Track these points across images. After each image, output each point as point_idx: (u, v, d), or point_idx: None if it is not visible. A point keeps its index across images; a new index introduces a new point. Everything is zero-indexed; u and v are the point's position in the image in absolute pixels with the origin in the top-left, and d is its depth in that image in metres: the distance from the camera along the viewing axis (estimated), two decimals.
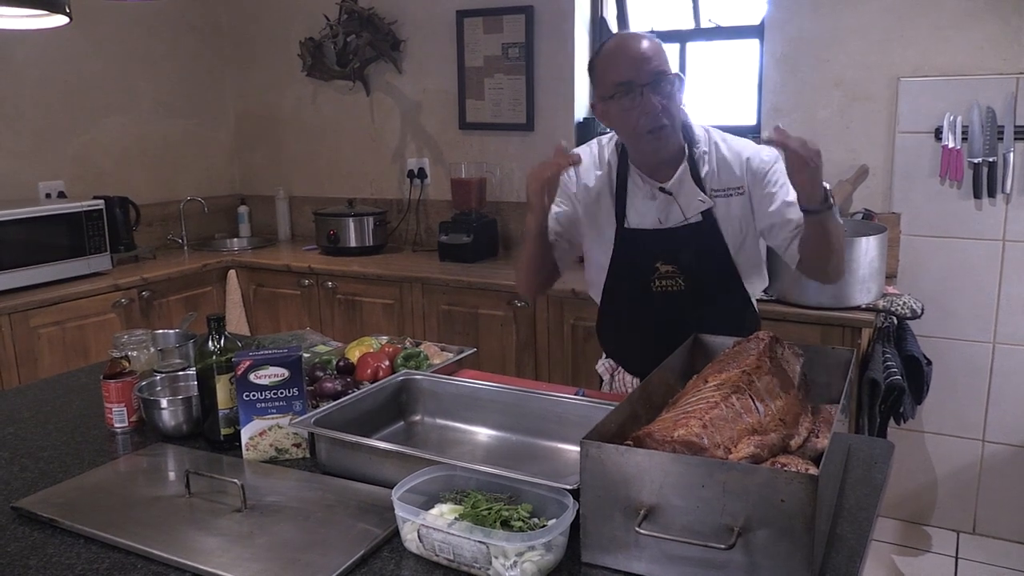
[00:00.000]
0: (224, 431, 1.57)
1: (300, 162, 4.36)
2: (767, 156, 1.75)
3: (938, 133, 2.87)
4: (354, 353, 1.91)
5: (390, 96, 4.02)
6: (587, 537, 1.14)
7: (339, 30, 3.90)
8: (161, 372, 1.78)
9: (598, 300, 1.95)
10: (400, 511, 1.16)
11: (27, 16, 1.66)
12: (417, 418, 1.69)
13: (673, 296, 1.80)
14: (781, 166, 1.73)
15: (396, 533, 1.21)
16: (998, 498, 3.00)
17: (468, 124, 3.81)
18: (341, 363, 1.86)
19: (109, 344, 1.86)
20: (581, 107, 3.60)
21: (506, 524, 1.13)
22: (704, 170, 1.77)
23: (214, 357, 1.55)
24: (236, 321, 3.75)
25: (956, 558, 2.93)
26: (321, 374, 1.79)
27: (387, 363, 1.83)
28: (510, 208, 3.76)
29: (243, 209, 4.45)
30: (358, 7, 3.85)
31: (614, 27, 3.63)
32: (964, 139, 2.83)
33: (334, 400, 1.61)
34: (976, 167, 2.82)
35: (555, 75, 3.58)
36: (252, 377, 1.49)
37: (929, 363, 2.75)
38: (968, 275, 2.91)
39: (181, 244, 4.11)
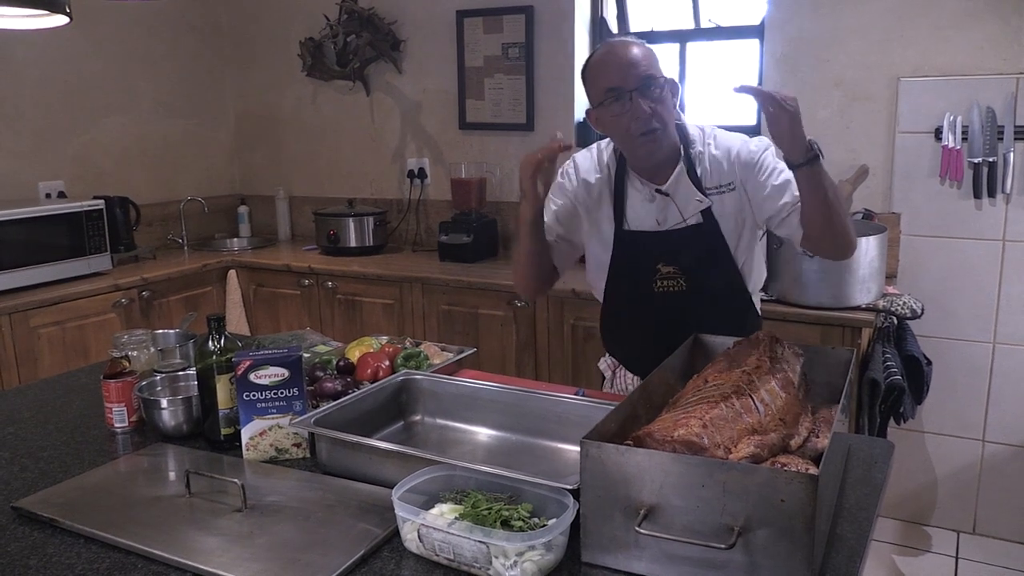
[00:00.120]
0: (224, 431, 1.57)
1: (300, 162, 4.36)
2: (755, 146, 1.75)
3: (938, 133, 2.87)
4: (354, 353, 1.91)
5: (390, 96, 4.02)
6: (587, 537, 1.14)
7: (339, 30, 3.90)
8: (161, 372, 1.78)
9: (601, 299, 1.96)
10: (400, 511, 1.16)
11: (27, 16, 1.66)
12: (417, 418, 1.69)
13: (674, 296, 1.80)
14: (770, 153, 1.73)
15: (396, 533, 1.21)
16: (998, 498, 3.00)
17: (468, 124, 3.81)
18: (341, 363, 1.86)
19: (109, 344, 1.87)
20: (581, 107, 3.60)
21: (506, 524, 1.13)
22: (700, 170, 1.77)
23: (214, 357, 1.55)
24: (236, 321, 3.75)
25: (956, 558, 2.93)
26: (321, 374, 1.79)
27: (387, 363, 1.83)
28: (510, 208, 3.76)
29: (243, 209, 4.45)
30: (358, 7, 3.85)
31: (614, 27, 3.63)
32: (964, 139, 2.83)
33: (334, 400, 1.61)
34: (976, 167, 2.82)
35: (555, 75, 3.58)
36: (252, 377, 1.49)
37: (929, 363, 2.75)
38: (968, 275, 2.91)
39: (181, 244, 4.11)
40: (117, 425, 1.68)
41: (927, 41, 2.88)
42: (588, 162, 1.88)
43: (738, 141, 1.78)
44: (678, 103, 1.75)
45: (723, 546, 1.03)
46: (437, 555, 1.15)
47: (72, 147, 3.74)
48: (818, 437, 1.27)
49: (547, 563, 1.11)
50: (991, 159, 2.79)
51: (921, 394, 2.74)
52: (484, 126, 3.77)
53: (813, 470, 1.12)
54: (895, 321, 2.71)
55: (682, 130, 1.79)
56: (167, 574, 1.15)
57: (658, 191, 1.77)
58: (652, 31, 3.56)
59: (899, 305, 2.68)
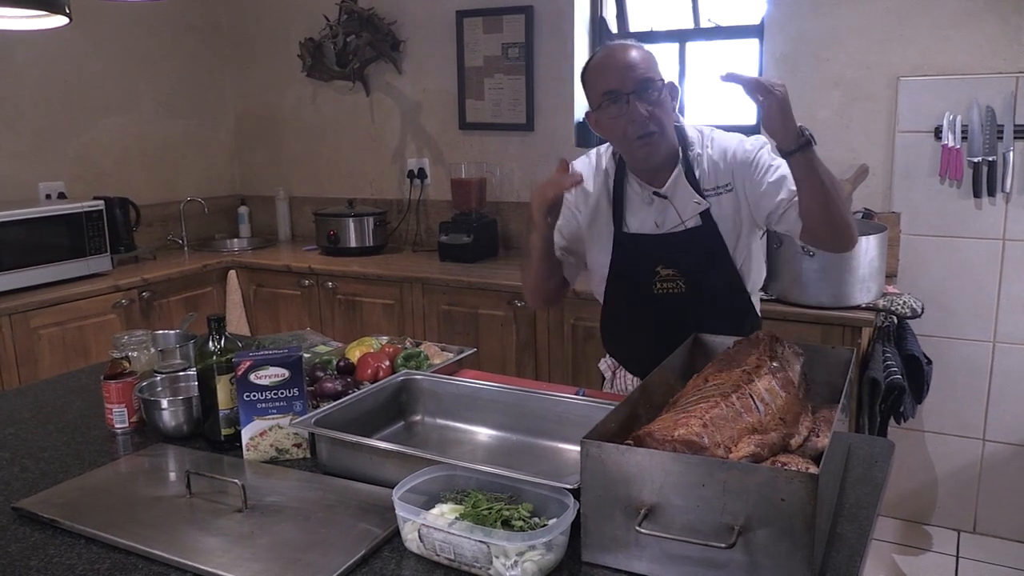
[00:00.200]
0: (225, 431, 1.57)
1: (300, 162, 4.36)
2: (750, 145, 1.75)
3: (938, 132, 2.87)
4: (354, 353, 1.91)
5: (390, 96, 4.02)
6: (588, 536, 1.14)
7: (339, 30, 3.90)
8: (161, 373, 1.78)
9: (601, 301, 1.96)
10: (401, 511, 1.16)
11: (27, 17, 1.66)
12: (417, 418, 1.69)
13: (674, 298, 1.81)
14: (766, 150, 1.74)
15: (397, 533, 1.21)
16: (998, 497, 3.00)
17: (468, 124, 3.81)
18: (341, 363, 1.86)
19: (109, 345, 1.86)
20: (581, 107, 3.60)
21: (507, 524, 1.13)
22: (698, 172, 1.77)
23: (214, 357, 1.55)
24: (236, 321, 3.75)
25: (957, 557, 2.93)
26: (321, 374, 1.79)
27: (387, 363, 1.83)
28: (510, 208, 3.76)
29: (243, 209, 4.45)
30: (358, 7, 3.85)
31: (614, 27, 3.63)
32: (964, 138, 2.83)
33: (334, 400, 1.61)
34: (976, 166, 2.82)
35: (555, 75, 3.58)
36: (252, 377, 1.49)
37: (929, 362, 2.75)
38: (968, 274, 2.91)
39: (181, 244, 4.11)
40: (117, 426, 1.68)
41: (927, 41, 2.88)
42: (586, 169, 1.89)
43: (734, 141, 1.78)
44: (677, 106, 1.75)
45: (723, 545, 1.03)
46: (438, 555, 1.15)
47: (72, 147, 3.74)
48: (818, 436, 1.27)
49: (548, 563, 1.11)
50: (991, 158, 2.79)
51: (921, 393, 2.74)
52: (484, 126, 3.77)
53: (813, 469, 1.12)
54: (895, 320, 2.71)
55: (681, 132, 1.79)
56: (168, 574, 1.15)
57: (656, 194, 1.77)
58: (651, 31, 3.56)
59: (899, 304, 2.68)
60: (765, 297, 2.68)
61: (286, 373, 1.50)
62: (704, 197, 1.76)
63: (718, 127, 1.85)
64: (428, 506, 1.20)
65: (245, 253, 4.01)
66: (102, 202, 3.39)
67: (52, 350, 3.05)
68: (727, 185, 1.77)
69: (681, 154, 1.77)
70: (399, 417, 1.67)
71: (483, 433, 1.62)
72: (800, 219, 1.66)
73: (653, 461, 1.08)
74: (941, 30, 2.85)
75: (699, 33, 3.47)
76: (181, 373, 1.78)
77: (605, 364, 2.07)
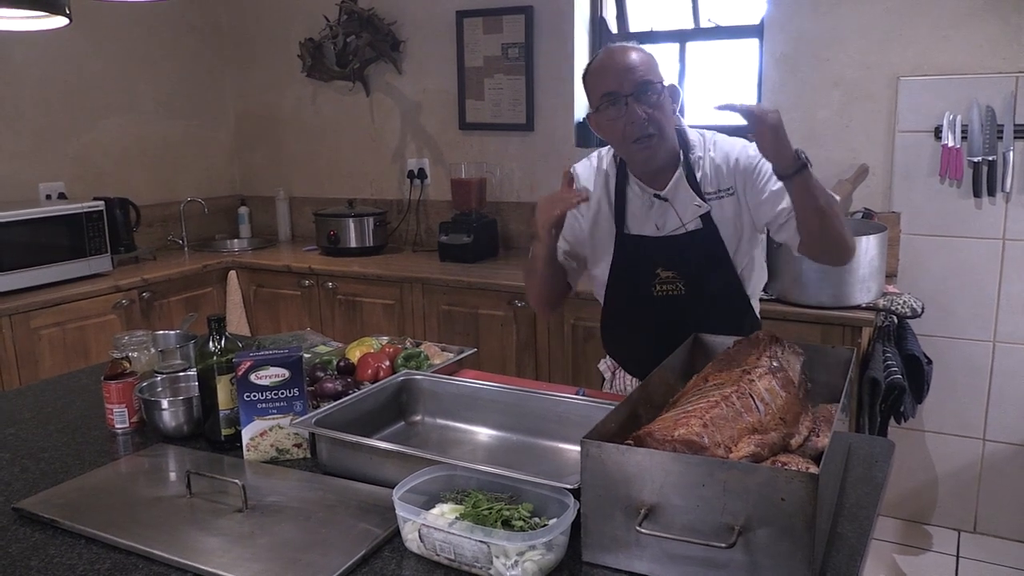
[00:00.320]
0: (225, 431, 1.57)
1: (300, 163, 4.36)
2: (753, 151, 1.75)
3: (938, 132, 2.87)
4: (355, 353, 1.92)
5: (390, 96, 4.02)
6: (588, 536, 1.14)
7: (339, 31, 3.90)
8: (162, 373, 1.78)
9: (601, 302, 1.96)
10: (401, 511, 1.17)
11: (27, 17, 1.66)
12: (418, 418, 1.69)
13: (674, 300, 1.81)
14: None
15: (397, 533, 1.21)
16: (999, 497, 3.00)
17: (468, 124, 3.81)
18: (342, 363, 1.86)
19: (110, 345, 1.86)
20: (581, 107, 3.60)
21: (507, 524, 1.13)
22: (699, 175, 1.77)
23: (215, 358, 1.55)
24: (236, 322, 3.75)
25: (957, 557, 2.93)
26: (322, 374, 1.79)
27: (387, 363, 1.83)
28: (510, 208, 3.76)
29: (243, 210, 4.45)
30: (358, 8, 3.85)
31: (614, 27, 3.63)
32: (964, 138, 2.83)
33: (335, 400, 1.61)
34: (976, 166, 2.82)
35: (555, 75, 3.58)
36: (253, 378, 1.49)
37: (929, 362, 2.75)
38: (968, 274, 2.91)
39: (181, 245, 4.11)
40: (118, 426, 1.68)
41: (927, 40, 2.88)
42: (587, 171, 1.89)
43: (738, 146, 1.78)
44: (678, 108, 1.75)
45: (724, 545, 1.03)
46: (438, 555, 1.15)
47: (72, 148, 3.74)
48: (818, 436, 1.27)
49: (548, 563, 1.11)
50: (991, 158, 2.79)
51: (921, 393, 2.74)
52: (484, 126, 3.77)
53: (813, 469, 1.12)
54: (895, 320, 2.71)
55: (682, 135, 1.79)
56: (168, 574, 1.15)
57: (657, 196, 1.77)
58: (652, 31, 3.56)
59: (899, 304, 2.68)
60: (765, 297, 2.67)
61: (286, 373, 1.50)
62: (705, 200, 1.76)
63: (720, 130, 1.86)
64: (428, 506, 1.20)
65: (245, 253, 4.01)
66: (102, 202, 3.40)
67: (52, 350, 3.05)
68: (729, 189, 1.77)
69: (682, 157, 1.77)
70: (399, 417, 1.68)
71: (483, 433, 1.62)
72: (797, 234, 1.68)
73: (653, 461, 1.08)
74: (941, 30, 2.85)
75: (699, 33, 3.47)
76: (181, 373, 1.78)
77: (605, 365, 2.07)
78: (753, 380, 1.28)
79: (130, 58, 3.95)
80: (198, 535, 1.25)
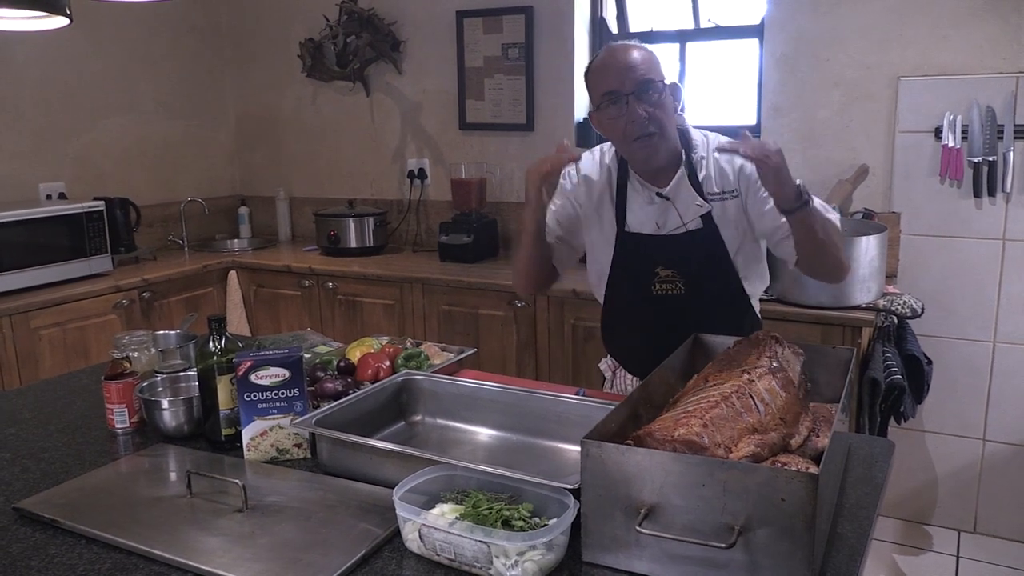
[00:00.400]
0: (225, 431, 1.57)
1: (300, 163, 4.36)
2: None
3: (938, 132, 2.87)
4: (355, 353, 1.92)
5: (390, 97, 4.02)
6: (588, 536, 1.14)
7: (339, 31, 3.90)
8: (162, 373, 1.78)
9: (601, 301, 1.96)
10: (401, 511, 1.17)
11: (28, 17, 1.66)
12: (418, 418, 1.69)
13: (673, 299, 1.81)
14: None
15: (397, 533, 1.21)
16: (999, 497, 3.00)
17: (468, 124, 3.81)
18: (342, 363, 1.86)
19: (110, 345, 1.87)
20: (581, 107, 3.60)
21: (507, 524, 1.13)
22: (701, 174, 1.77)
23: (215, 358, 1.55)
24: (237, 322, 3.75)
25: (957, 557, 2.93)
26: (322, 374, 1.79)
27: (388, 363, 1.83)
28: (510, 208, 3.76)
29: (243, 210, 4.45)
30: (358, 8, 3.85)
31: (614, 27, 3.63)
32: (964, 138, 2.83)
33: (335, 400, 1.61)
34: (976, 166, 2.82)
35: (555, 75, 3.58)
36: (253, 378, 1.49)
37: (929, 362, 2.75)
38: (968, 274, 2.91)
39: (182, 245, 4.11)
40: (118, 426, 1.68)
41: (927, 41, 2.88)
42: (590, 163, 1.89)
43: None
44: (679, 107, 1.75)
45: (724, 545, 1.03)
46: (438, 555, 1.15)
47: (72, 148, 3.74)
48: (818, 436, 1.27)
49: (548, 563, 1.11)
50: (991, 158, 2.79)
51: (921, 393, 2.74)
52: (484, 126, 3.77)
53: (813, 469, 1.12)
54: (895, 320, 2.71)
55: (684, 134, 1.79)
56: (168, 574, 1.16)
57: (659, 194, 1.77)
58: (652, 31, 3.56)
59: (899, 304, 2.68)
60: (765, 297, 2.67)
61: (287, 373, 1.50)
62: (707, 201, 1.76)
63: (720, 130, 1.85)
64: (428, 506, 1.20)
65: (245, 253, 4.01)
66: (102, 203, 3.40)
67: (53, 350, 3.05)
68: (733, 192, 1.77)
69: (684, 156, 1.77)
70: (399, 417, 1.68)
71: (483, 433, 1.62)
72: (794, 252, 1.71)
73: (653, 461, 1.08)
74: (941, 30, 2.85)
75: (699, 33, 3.47)
76: (182, 373, 1.78)
77: (605, 364, 2.07)
78: (753, 380, 1.28)
79: (130, 58, 3.95)
80: (198, 535, 1.25)
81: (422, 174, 3.97)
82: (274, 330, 3.70)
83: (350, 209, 3.86)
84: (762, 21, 3.19)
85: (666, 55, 3.45)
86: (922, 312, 2.72)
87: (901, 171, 2.96)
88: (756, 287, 1.90)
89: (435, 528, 1.13)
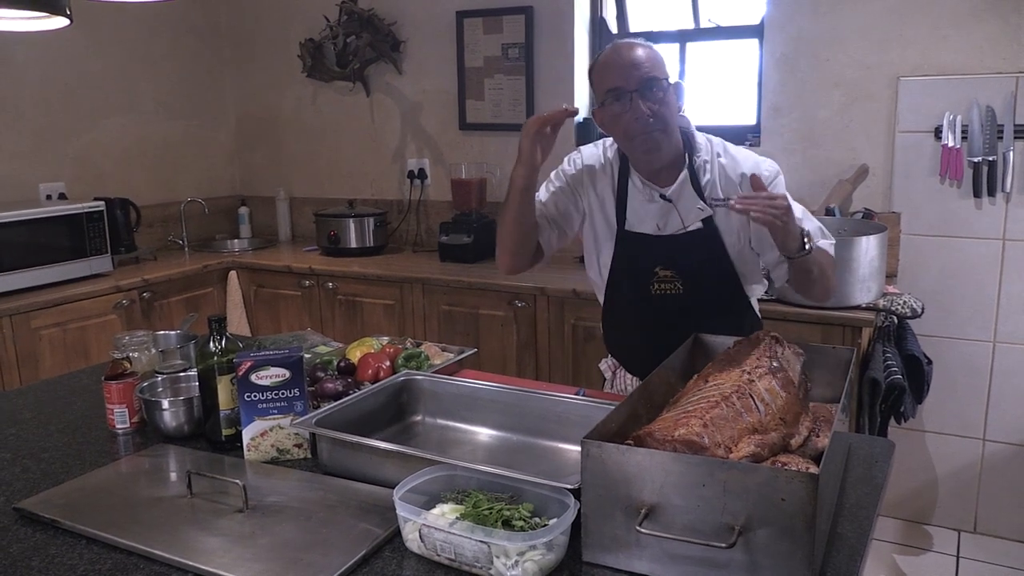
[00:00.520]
0: (225, 432, 1.57)
1: (300, 163, 4.36)
2: (766, 171, 1.74)
3: (938, 132, 2.87)
4: (355, 354, 1.92)
5: (390, 97, 4.02)
6: (588, 536, 1.14)
7: (339, 31, 3.90)
8: (162, 373, 1.78)
9: (601, 300, 1.96)
10: (402, 511, 1.17)
11: (28, 18, 1.66)
12: (418, 418, 1.69)
13: (672, 299, 1.81)
14: (780, 183, 1.74)
15: (397, 533, 1.21)
16: (999, 497, 3.00)
17: (468, 124, 3.81)
18: (342, 364, 1.86)
19: (110, 345, 1.87)
20: (581, 107, 3.60)
21: (507, 524, 1.13)
22: (704, 179, 1.77)
23: (215, 358, 1.55)
24: (237, 322, 3.75)
25: (957, 557, 2.93)
26: (322, 375, 1.79)
27: (388, 363, 1.83)
28: None
29: (244, 210, 4.45)
30: (358, 8, 3.85)
31: (614, 27, 3.63)
32: (964, 138, 2.83)
33: (335, 400, 1.61)
34: (976, 166, 2.82)
35: (555, 76, 3.58)
36: (253, 378, 1.49)
37: (929, 362, 2.75)
38: (968, 274, 2.91)
39: (182, 245, 4.11)
40: (118, 426, 1.68)
41: (927, 41, 2.88)
42: (593, 155, 1.88)
43: (750, 162, 1.77)
44: (683, 106, 1.75)
45: (724, 545, 1.03)
46: (438, 555, 1.15)
47: (72, 148, 3.74)
48: (818, 436, 1.27)
49: (548, 563, 1.11)
50: (991, 158, 2.79)
51: (921, 393, 2.74)
52: (484, 126, 3.77)
53: (813, 469, 1.12)
54: (895, 320, 2.71)
55: (688, 136, 1.79)
56: (169, 574, 1.16)
57: (662, 196, 1.77)
58: (652, 31, 3.56)
59: (899, 304, 2.68)
60: (765, 297, 2.67)
61: (287, 373, 1.50)
62: (709, 205, 1.76)
63: (721, 131, 1.86)
64: (429, 506, 1.20)
65: (246, 254, 4.01)
66: (103, 203, 3.40)
67: (53, 351, 3.05)
68: (728, 200, 1.76)
69: (687, 159, 1.77)
70: (400, 417, 1.68)
71: (483, 433, 1.62)
72: (787, 274, 1.77)
73: (653, 461, 1.08)
74: (941, 30, 2.85)
75: (699, 33, 3.47)
76: (182, 373, 1.78)
77: (606, 364, 2.07)
78: (753, 380, 1.28)
79: (130, 58, 3.95)
80: (199, 535, 1.25)
81: (422, 174, 3.97)
82: (274, 330, 3.70)
83: (350, 209, 3.86)
84: (762, 21, 3.19)
85: (666, 55, 3.44)
86: (922, 312, 2.72)
87: (901, 171, 2.97)
88: (755, 288, 1.90)
89: (435, 528, 1.13)
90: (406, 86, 3.96)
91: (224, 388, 1.55)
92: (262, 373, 1.49)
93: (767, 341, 1.43)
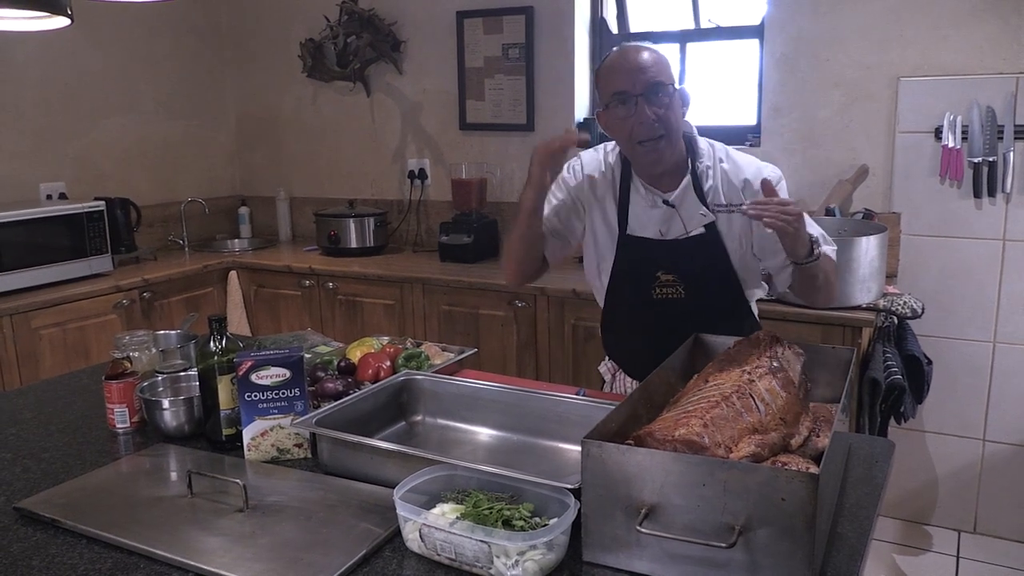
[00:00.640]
0: (226, 431, 1.57)
1: (301, 163, 4.36)
2: (769, 177, 1.74)
3: (938, 133, 2.87)
4: (355, 353, 1.92)
5: (390, 97, 4.02)
6: (588, 536, 1.14)
7: (339, 31, 3.90)
8: (163, 373, 1.78)
9: (601, 303, 1.96)
10: (402, 511, 1.17)
11: (28, 18, 1.66)
12: (418, 418, 1.69)
13: (673, 303, 1.81)
14: (783, 188, 1.74)
15: (398, 533, 1.21)
16: (999, 497, 3.00)
17: (468, 124, 3.81)
18: (342, 363, 1.86)
19: (110, 345, 1.87)
20: (581, 108, 3.61)
21: (508, 523, 1.13)
22: (707, 184, 1.77)
23: (216, 358, 1.55)
24: (237, 322, 3.75)
25: (957, 557, 2.93)
26: (322, 374, 1.79)
27: (388, 363, 1.83)
28: (511, 208, 3.76)
29: (244, 210, 4.45)
30: (358, 8, 3.85)
31: (614, 28, 3.63)
32: (964, 139, 2.83)
33: (335, 400, 1.61)
34: (976, 166, 2.82)
35: (555, 76, 3.58)
36: (254, 377, 1.49)
37: (929, 362, 2.75)
38: (968, 274, 2.91)
39: (182, 245, 4.12)
40: (119, 426, 1.68)
41: (927, 41, 2.88)
42: (594, 161, 1.88)
43: (753, 167, 1.78)
44: (687, 112, 1.75)
45: (724, 545, 1.03)
46: (439, 555, 1.15)
47: (73, 148, 3.74)
48: (819, 436, 1.27)
49: (548, 562, 1.12)
50: (991, 159, 2.79)
51: (921, 393, 2.74)
52: (484, 127, 3.78)
53: (814, 469, 1.12)
54: (895, 321, 2.71)
55: (691, 141, 1.79)
56: (169, 574, 1.16)
57: (665, 202, 1.77)
58: (652, 31, 3.57)
59: (899, 305, 2.68)
60: (765, 298, 2.67)
61: (287, 373, 1.51)
62: (712, 211, 1.76)
63: (721, 131, 1.85)
64: (429, 506, 1.20)
65: (246, 253, 4.01)
66: (103, 203, 3.40)
67: (53, 350, 3.05)
68: (740, 205, 1.76)
69: (690, 164, 1.77)
70: (400, 417, 1.68)
71: (484, 433, 1.62)
72: (790, 279, 1.78)
73: (654, 461, 1.08)
74: (941, 30, 2.85)
75: (699, 34, 3.47)
76: (182, 373, 1.78)
77: (605, 367, 2.07)
78: (753, 380, 1.28)
79: (130, 58, 3.95)
80: (199, 535, 1.25)
81: (422, 174, 3.98)
82: (274, 330, 3.70)
83: (350, 209, 3.86)
84: (762, 21, 3.20)
85: (666, 56, 3.45)
86: (922, 312, 2.72)
87: (901, 171, 2.97)
88: (755, 293, 1.90)
89: (436, 528, 1.13)
90: (406, 86, 3.96)
91: (224, 388, 1.55)
92: (262, 373, 1.49)
93: (767, 341, 1.43)
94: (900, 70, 2.93)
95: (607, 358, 2.06)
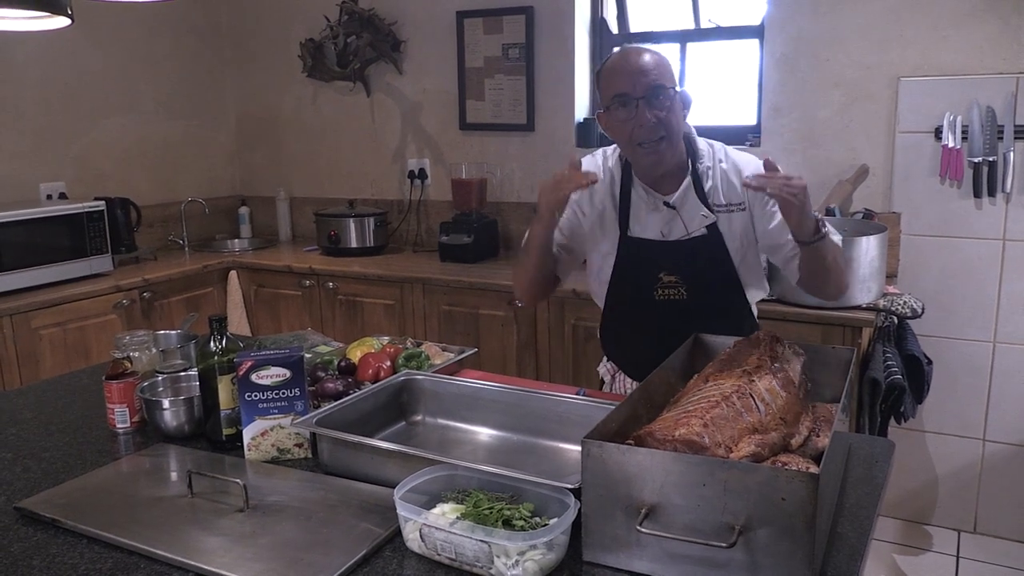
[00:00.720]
0: (226, 431, 1.57)
1: (301, 163, 4.36)
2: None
3: (938, 133, 2.87)
4: (355, 353, 1.92)
5: (390, 97, 4.02)
6: (589, 536, 1.14)
7: (339, 31, 3.90)
8: (163, 373, 1.78)
9: (601, 305, 1.96)
10: (402, 511, 1.17)
11: (29, 18, 1.66)
12: (418, 418, 1.69)
13: (675, 304, 1.81)
14: None
15: (398, 532, 1.21)
16: (999, 497, 3.00)
17: (468, 124, 3.81)
18: (342, 363, 1.86)
19: (110, 345, 1.87)
20: (581, 108, 3.61)
21: (508, 523, 1.13)
22: (707, 185, 1.77)
23: (216, 357, 1.55)
24: (237, 322, 3.75)
25: (957, 557, 2.93)
26: (323, 374, 1.79)
27: (388, 363, 1.83)
28: (511, 208, 3.77)
29: (244, 210, 4.45)
30: (358, 8, 3.86)
31: (614, 28, 3.63)
32: (964, 139, 2.83)
33: (336, 400, 1.61)
34: (976, 166, 2.82)
35: (555, 76, 3.58)
36: (254, 377, 1.49)
37: (930, 362, 2.75)
38: (968, 274, 2.91)
39: (182, 245, 4.12)
40: (119, 426, 1.68)
41: (927, 41, 2.88)
42: (592, 168, 1.88)
43: (752, 164, 1.77)
44: (688, 114, 1.75)
45: (724, 545, 1.03)
46: (439, 555, 1.15)
47: (73, 148, 3.74)
48: (819, 436, 1.27)
49: (549, 562, 1.12)
50: (991, 158, 2.79)
51: (921, 393, 2.74)
52: (484, 126, 3.78)
53: (814, 469, 1.12)
54: (895, 320, 2.71)
55: (690, 143, 1.79)
56: (170, 574, 1.16)
57: (666, 204, 1.77)
58: (652, 31, 3.57)
59: (899, 304, 2.68)
60: (766, 297, 2.67)
61: (287, 373, 1.51)
62: (713, 211, 1.76)
63: (721, 131, 1.85)
64: (429, 506, 1.20)
65: (246, 253, 4.02)
66: (103, 203, 3.40)
67: (53, 350, 3.05)
68: (740, 204, 1.77)
69: (690, 165, 1.77)
70: (400, 417, 1.68)
71: (484, 433, 1.62)
72: (797, 272, 1.74)
73: (654, 461, 1.08)
74: (941, 30, 2.85)
75: (699, 34, 3.47)
76: (182, 373, 1.78)
77: (604, 368, 2.07)
78: (753, 380, 1.28)
79: (130, 58, 3.95)
80: (199, 535, 1.25)
81: (422, 174, 3.98)
82: (275, 330, 3.71)
83: (350, 209, 3.87)
84: (762, 21, 3.20)
85: (666, 56, 3.45)
86: (922, 312, 2.72)
87: (901, 171, 2.97)
88: (755, 294, 1.90)
89: (436, 528, 1.13)
90: (406, 86, 3.96)
91: (225, 388, 1.55)
92: (263, 373, 1.49)
93: (767, 341, 1.43)
94: (900, 70, 2.93)
95: (606, 359, 2.06)
